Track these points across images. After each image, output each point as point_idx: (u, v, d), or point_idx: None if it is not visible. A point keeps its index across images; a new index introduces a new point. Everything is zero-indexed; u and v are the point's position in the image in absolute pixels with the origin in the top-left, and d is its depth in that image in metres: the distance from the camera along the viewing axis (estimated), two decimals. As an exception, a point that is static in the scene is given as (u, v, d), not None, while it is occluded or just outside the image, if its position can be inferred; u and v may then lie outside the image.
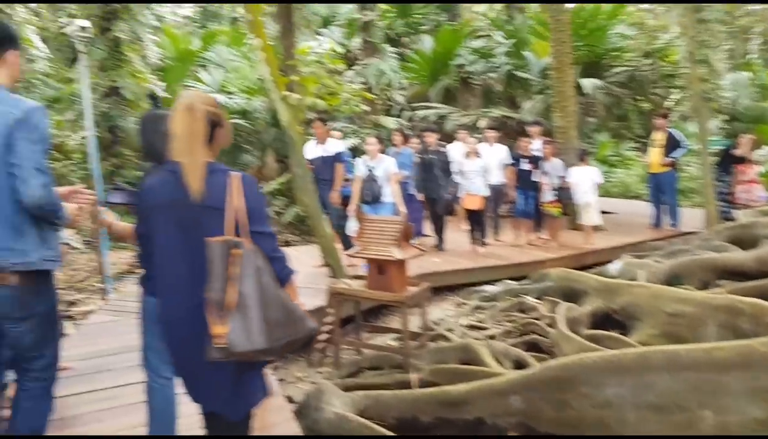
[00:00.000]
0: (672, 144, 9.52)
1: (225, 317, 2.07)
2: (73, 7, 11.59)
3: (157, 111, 2.88)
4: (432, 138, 7.94)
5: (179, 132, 2.18)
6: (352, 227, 6.59)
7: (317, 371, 5.31)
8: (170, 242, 2.21)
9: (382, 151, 7.15)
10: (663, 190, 9.84)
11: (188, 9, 22.83)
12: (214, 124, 2.25)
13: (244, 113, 13.82)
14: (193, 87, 14.73)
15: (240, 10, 17.68)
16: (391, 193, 6.85)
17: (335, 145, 7.25)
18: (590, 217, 8.84)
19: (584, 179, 8.65)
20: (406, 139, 9.11)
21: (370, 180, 6.75)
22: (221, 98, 13.99)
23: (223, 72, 15.07)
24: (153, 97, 3.02)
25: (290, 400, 4.52)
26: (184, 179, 2.15)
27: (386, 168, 6.87)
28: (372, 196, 6.77)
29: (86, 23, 6.27)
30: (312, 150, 7.25)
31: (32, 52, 11.32)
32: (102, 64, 11.11)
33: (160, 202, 2.22)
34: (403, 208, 6.85)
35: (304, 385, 5.00)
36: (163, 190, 2.22)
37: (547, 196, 8.57)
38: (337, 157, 7.10)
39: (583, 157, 9.08)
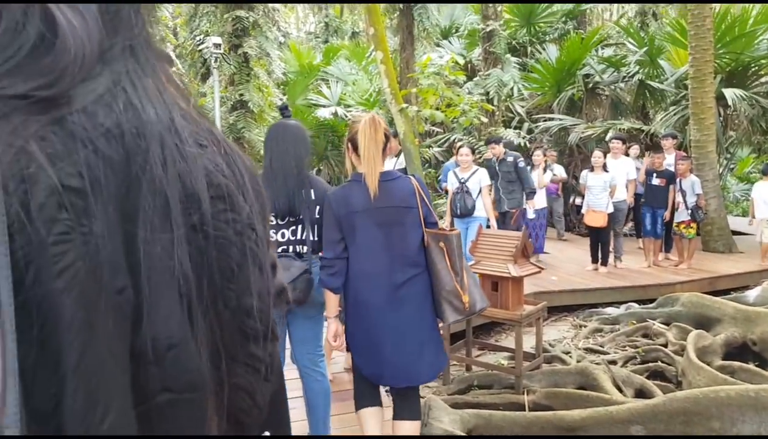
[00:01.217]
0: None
1: (464, 289, 2.76)
2: (206, 25, 12.39)
3: (288, 121, 2.99)
4: (497, 149, 7.57)
5: (366, 143, 2.66)
6: None
7: (426, 385, 5.26)
8: (372, 239, 2.70)
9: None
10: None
11: (312, 25, 23.78)
12: (386, 138, 2.76)
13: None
14: (313, 100, 15.32)
15: (361, 24, 18.16)
16: (483, 207, 6.57)
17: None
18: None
19: (764, 194, 8.20)
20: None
21: (462, 192, 6.52)
22: (340, 111, 14.44)
23: (343, 85, 15.53)
24: (284, 107, 3.13)
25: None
26: (370, 186, 2.67)
27: (479, 180, 6.58)
28: (463, 210, 6.51)
29: (219, 40, 6.67)
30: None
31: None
32: (231, 79, 11.79)
33: (359, 208, 2.69)
34: (494, 221, 6.57)
35: (412, 398, 4.96)
36: (359, 197, 2.70)
37: (682, 215, 7.99)
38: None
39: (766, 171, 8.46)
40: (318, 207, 2.90)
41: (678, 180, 8.08)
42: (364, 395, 2.95)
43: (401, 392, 2.91)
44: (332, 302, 2.85)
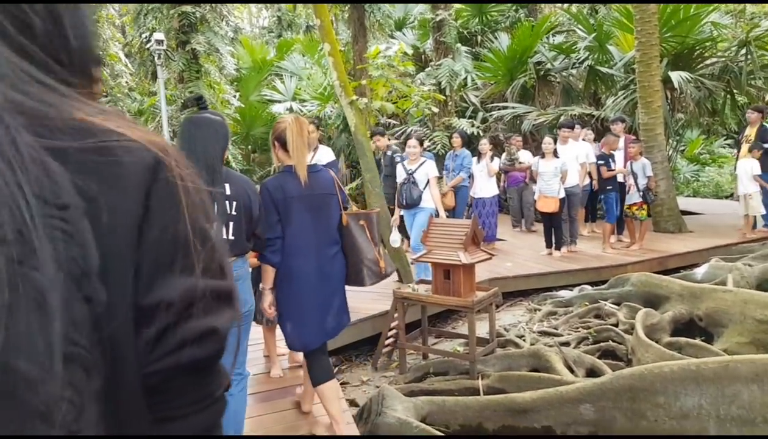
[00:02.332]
0: (764, 140, 8.84)
1: (381, 256, 3.44)
2: (153, 22, 12.12)
3: (200, 115, 2.88)
4: (380, 142, 7.44)
5: (294, 140, 3.08)
6: (393, 238, 6.31)
7: (382, 375, 5.28)
8: (304, 220, 3.14)
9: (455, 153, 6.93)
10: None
11: (265, 20, 23.48)
12: (309, 133, 3.22)
13: (316, 120, 14.09)
14: (268, 96, 15.17)
15: (315, 18, 18.05)
16: (431, 198, 6.48)
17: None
18: (754, 207, 8.71)
19: (745, 170, 8.61)
20: (464, 141, 8.91)
21: (409, 183, 6.48)
22: (295, 106, 14.32)
23: (297, 80, 15.41)
24: (197, 98, 3.06)
25: (353, 403, 4.51)
26: (301, 176, 3.10)
27: (426, 171, 6.51)
28: (408, 200, 6.47)
29: (161, 36, 6.53)
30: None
31: (118, 68, 11.93)
32: (180, 76, 11.55)
33: (294, 194, 3.10)
34: (442, 213, 6.51)
35: (368, 389, 4.98)
36: (292, 186, 3.11)
37: (634, 197, 8.14)
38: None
39: (753, 150, 8.75)
40: (235, 203, 2.82)
41: (629, 163, 8.23)
42: (324, 370, 3.34)
43: (317, 354, 3.34)
44: (270, 275, 3.19)
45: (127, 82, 13.23)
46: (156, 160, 0.55)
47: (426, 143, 9.96)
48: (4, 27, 0.53)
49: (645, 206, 8.16)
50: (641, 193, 8.06)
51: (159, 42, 6.39)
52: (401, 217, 6.70)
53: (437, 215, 6.35)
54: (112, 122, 0.54)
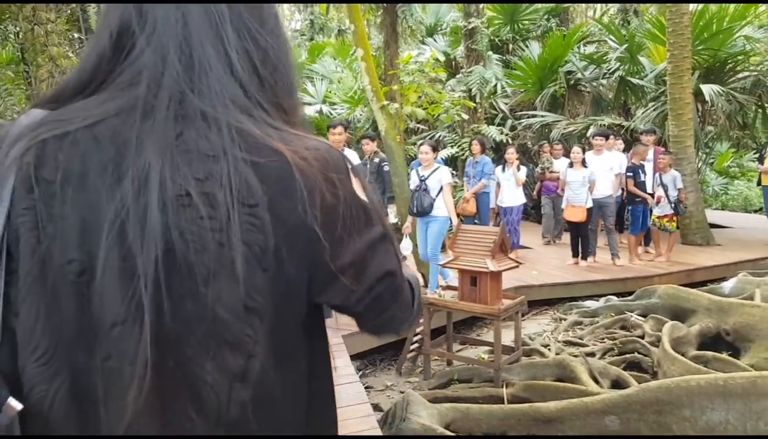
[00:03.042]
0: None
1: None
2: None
3: None
4: (368, 146, 7.10)
5: None
6: (404, 246, 6.23)
7: (406, 380, 5.33)
8: None
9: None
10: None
11: (298, 23, 23.70)
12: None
13: (346, 123, 14.17)
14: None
15: (347, 22, 18.18)
16: (443, 205, 6.32)
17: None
18: None
19: None
20: (483, 148, 8.87)
21: (420, 191, 6.31)
22: (325, 108, 14.42)
23: (328, 83, 15.52)
24: None
25: (377, 408, 4.55)
26: None
27: (440, 178, 6.34)
28: (419, 208, 6.30)
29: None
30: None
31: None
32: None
33: None
34: (455, 220, 6.31)
35: (392, 394, 5.03)
36: None
37: (665, 209, 8.00)
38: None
39: None
40: None
41: (658, 174, 8.15)
42: None
43: None
44: None
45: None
46: (313, 175, 0.74)
47: (455, 149, 10.02)
48: (241, 69, 0.76)
49: (675, 218, 8.09)
50: (673, 205, 7.96)
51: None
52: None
53: (451, 223, 6.28)
54: (290, 145, 0.75)
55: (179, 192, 0.69)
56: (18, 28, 8.75)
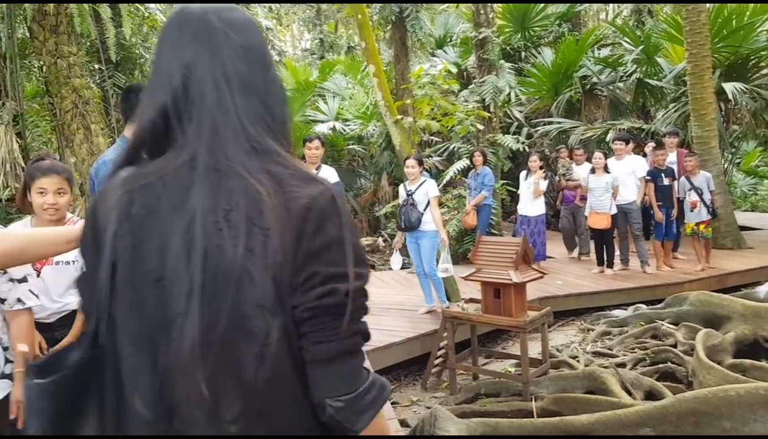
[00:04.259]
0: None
1: None
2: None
3: None
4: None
5: None
6: (395, 261, 6.10)
7: (432, 395, 5.19)
8: None
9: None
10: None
11: (307, 42, 23.91)
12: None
13: (359, 138, 14.16)
14: (311, 116, 15.37)
15: (356, 38, 18.27)
16: (432, 220, 6.13)
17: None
18: None
19: None
20: (485, 159, 8.74)
21: (408, 205, 6.15)
22: (338, 125, 14.43)
23: (340, 100, 15.55)
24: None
25: (403, 424, 4.43)
26: None
27: (427, 192, 6.16)
28: (406, 222, 6.14)
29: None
30: None
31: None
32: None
33: None
34: (444, 235, 6.16)
35: (418, 409, 4.90)
36: None
37: (702, 215, 7.63)
38: None
39: None
40: None
41: (685, 178, 7.87)
42: None
43: None
44: None
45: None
46: (316, 203, 1.04)
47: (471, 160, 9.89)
48: (253, 131, 1.09)
49: (712, 223, 7.75)
50: (709, 209, 7.62)
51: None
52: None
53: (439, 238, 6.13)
54: (294, 178, 1.06)
55: (214, 220, 1.01)
56: (41, 62, 8.96)
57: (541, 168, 8.24)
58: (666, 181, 8.00)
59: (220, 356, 1.00)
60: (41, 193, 2.90)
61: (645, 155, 9.29)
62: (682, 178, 7.94)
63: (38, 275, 2.93)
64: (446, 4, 16.11)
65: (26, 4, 7.61)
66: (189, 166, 1.06)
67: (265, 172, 1.05)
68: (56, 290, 2.98)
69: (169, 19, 1.18)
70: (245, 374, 1.00)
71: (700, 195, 7.61)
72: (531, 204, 8.27)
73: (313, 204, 1.04)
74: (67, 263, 2.99)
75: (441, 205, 9.46)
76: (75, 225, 3.03)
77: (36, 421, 1.09)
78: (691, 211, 7.73)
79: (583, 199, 8.58)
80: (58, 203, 2.93)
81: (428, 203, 6.15)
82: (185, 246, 1.00)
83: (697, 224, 7.72)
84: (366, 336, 1.09)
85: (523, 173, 8.52)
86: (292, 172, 1.08)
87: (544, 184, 8.20)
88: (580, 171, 8.94)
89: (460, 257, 8.97)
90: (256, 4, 12.11)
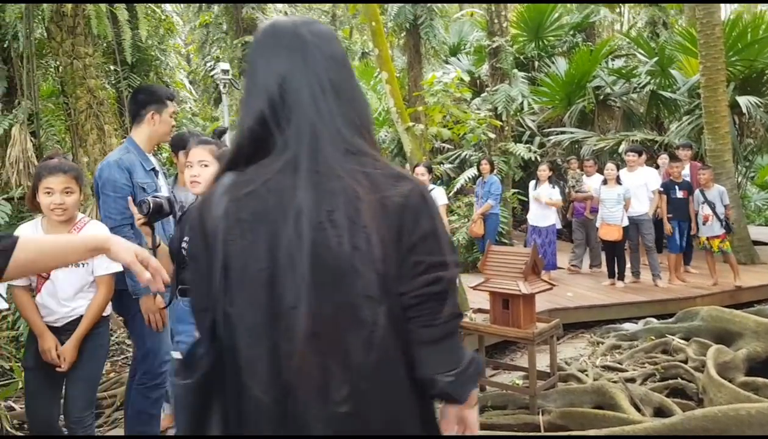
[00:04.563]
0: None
1: None
2: (217, 51, 12.55)
3: None
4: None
5: None
6: None
7: (438, 405, 5.13)
8: None
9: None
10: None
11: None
12: None
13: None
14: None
15: (370, 45, 18.28)
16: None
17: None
18: None
19: None
20: (493, 167, 8.69)
21: None
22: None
23: (352, 105, 15.55)
24: (222, 132, 3.41)
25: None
26: None
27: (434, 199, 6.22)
28: None
29: (227, 66, 6.72)
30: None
31: (182, 94, 12.36)
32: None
33: None
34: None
35: (423, 421, 4.84)
36: None
37: (715, 229, 7.49)
38: None
39: None
40: None
41: (699, 191, 7.76)
42: None
43: None
44: None
45: (191, 107, 13.67)
46: (409, 200, 1.17)
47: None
48: (348, 133, 1.21)
49: (728, 237, 7.59)
50: (723, 223, 7.49)
51: (225, 71, 6.56)
52: None
53: None
54: (386, 177, 1.18)
55: (319, 220, 1.13)
56: (58, 63, 9.04)
57: (549, 178, 8.19)
58: (680, 194, 7.92)
59: (330, 344, 1.12)
60: (48, 192, 2.85)
61: (658, 167, 9.22)
62: (696, 192, 7.84)
63: (47, 277, 2.92)
64: (461, 12, 16.11)
65: (44, 6, 7.67)
66: (291, 169, 1.17)
67: (361, 172, 1.16)
68: (65, 293, 2.94)
69: (261, 33, 1.31)
70: (354, 358, 1.13)
71: (713, 209, 7.50)
72: (541, 214, 8.22)
73: (407, 201, 1.17)
74: (77, 265, 2.95)
75: (451, 212, 9.44)
76: (87, 225, 3.02)
77: (183, 415, 1.27)
78: (704, 224, 7.63)
79: (593, 211, 8.49)
80: (65, 203, 2.88)
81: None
82: (293, 245, 1.13)
83: (708, 238, 7.61)
84: (461, 317, 1.24)
85: (532, 183, 8.49)
86: (383, 171, 1.19)
87: (556, 194, 8.14)
88: (591, 182, 8.84)
89: (469, 266, 8.94)
90: (270, 10, 12.15)
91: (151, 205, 2.71)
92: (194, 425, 1.25)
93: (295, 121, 1.19)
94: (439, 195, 6.25)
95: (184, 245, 2.68)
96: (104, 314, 3.14)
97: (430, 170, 6.40)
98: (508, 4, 10.92)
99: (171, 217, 3.12)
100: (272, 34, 1.28)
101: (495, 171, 8.82)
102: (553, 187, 8.28)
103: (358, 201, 1.12)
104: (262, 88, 1.24)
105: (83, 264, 2.97)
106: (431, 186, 6.38)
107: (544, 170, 8.26)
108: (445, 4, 13.72)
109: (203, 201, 1.27)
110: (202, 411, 1.25)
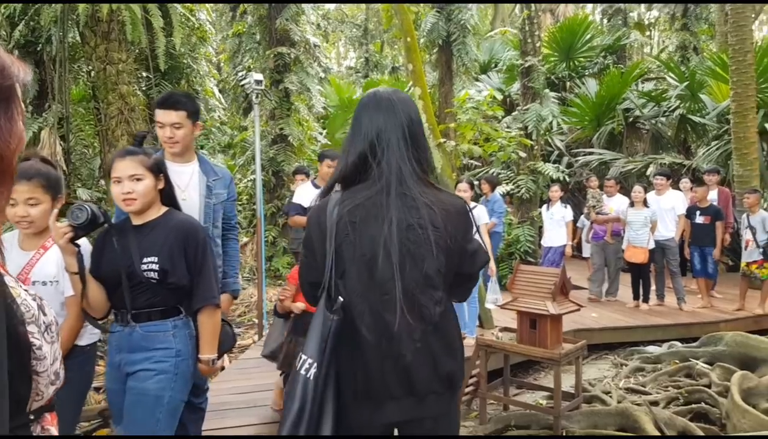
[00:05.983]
0: None
1: None
2: (249, 61, 12.77)
3: None
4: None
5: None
6: None
7: (462, 424, 5.22)
8: None
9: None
10: None
11: (352, 60, 24.21)
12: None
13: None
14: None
15: (400, 59, 18.43)
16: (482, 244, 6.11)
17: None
18: None
19: None
20: (493, 186, 8.74)
21: None
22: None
23: (381, 119, 15.70)
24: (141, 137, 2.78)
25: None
26: None
27: (478, 217, 5.95)
28: None
29: (260, 77, 6.86)
30: None
31: (212, 103, 12.56)
32: (272, 113, 12.09)
33: None
34: (492, 264, 6.20)
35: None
36: None
37: (753, 255, 7.40)
38: None
39: None
40: None
41: (746, 216, 7.64)
42: None
43: None
44: None
45: (219, 116, 13.90)
46: (462, 208, 1.91)
47: (510, 186, 9.95)
48: (419, 168, 1.88)
49: (766, 264, 7.49)
50: (762, 249, 7.37)
51: (258, 82, 6.69)
52: None
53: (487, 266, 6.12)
54: (442, 194, 1.89)
55: (407, 224, 1.77)
56: (90, 67, 9.14)
57: (561, 198, 8.33)
58: (700, 220, 7.93)
59: (413, 302, 1.75)
60: (12, 204, 2.41)
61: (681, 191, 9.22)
62: (744, 215, 7.78)
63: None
64: (494, 31, 16.24)
65: (79, 10, 7.77)
66: (385, 192, 1.79)
67: (429, 193, 1.82)
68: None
69: (367, 96, 1.96)
70: (428, 311, 1.78)
71: (754, 234, 7.44)
72: (552, 234, 8.42)
73: (462, 209, 1.89)
74: (44, 283, 2.53)
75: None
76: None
77: (332, 341, 1.77)
78: (745, 249, 7.58)
79: (615, 234, 8.40)
80: (29, 215, 2.46)
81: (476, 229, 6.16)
82: (387, 241, 1.75)
83: (747, 264, 7.55)
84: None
85: (544, 207, 8.63)
86: (439, 191, 1.88)
87: (569, 213, 8.28)
88: (611, 203, 8.73)
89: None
90: (303, 22, 12.39)
91: (90, 212, 2.29)
92: (333, 347, 1.76)
93: (386, 159, 1.82)
94: (482, 214, 6.38)
95: (144, 267, 2.42)
96: (82, 344, 2.67)
97: (472, 186, 6.54)
98: (542, 25, 11.03)
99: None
100: (375, 99, 1.92)
101: (495, 190, 8.78)
102: (565, 207, 8.40)
103: (432, 212, 1.77)
104: (364, 135, 1.86)
105: (51, 282, 2.55)
106: (473, 204, 6.45)
107: (555, 191, 8.43)
108: (477, 22, 13.85)
109: (319, 209, 1.87)
110: (340, 338, 1.77)
